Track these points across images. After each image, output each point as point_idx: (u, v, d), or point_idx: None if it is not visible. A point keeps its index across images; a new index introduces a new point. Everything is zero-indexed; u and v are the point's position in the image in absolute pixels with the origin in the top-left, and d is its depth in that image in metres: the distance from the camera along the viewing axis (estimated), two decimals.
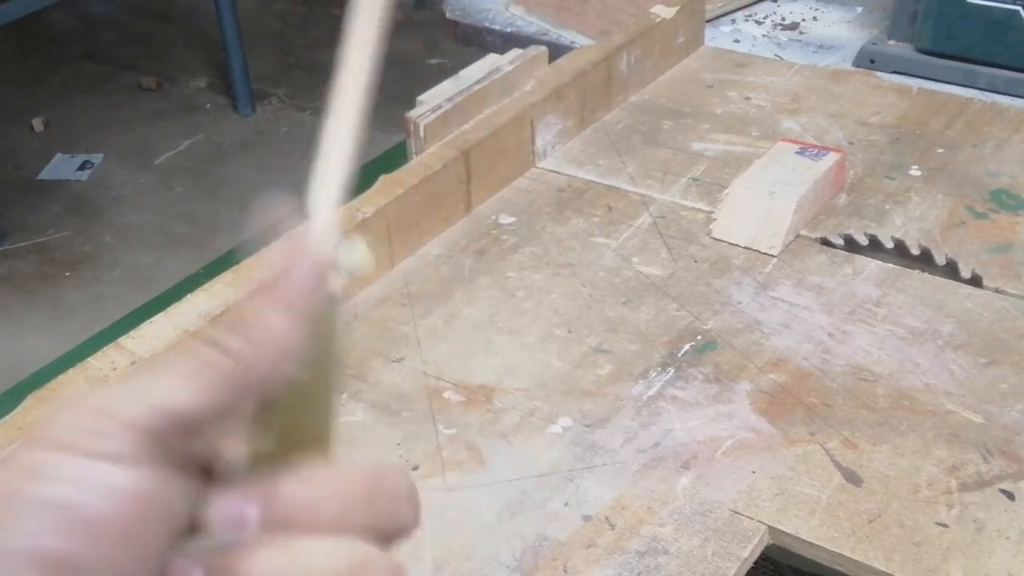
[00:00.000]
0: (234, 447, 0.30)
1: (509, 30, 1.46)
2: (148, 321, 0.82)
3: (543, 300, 0.92)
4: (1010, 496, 0.72)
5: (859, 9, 1.48)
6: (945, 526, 0.70)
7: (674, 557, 0.69)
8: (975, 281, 0.92)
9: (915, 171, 1.07)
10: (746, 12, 1.49)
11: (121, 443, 0.27)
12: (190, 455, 0.29)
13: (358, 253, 0.33)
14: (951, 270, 0.93)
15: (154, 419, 0.28)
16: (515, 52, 1.13)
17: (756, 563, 0.71)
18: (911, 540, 0.69)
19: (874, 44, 1.32)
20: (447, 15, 1.53)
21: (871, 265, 0.95)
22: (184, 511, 0.28)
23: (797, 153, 1.02)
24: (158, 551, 0.28)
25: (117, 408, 0.27)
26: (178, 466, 0.28)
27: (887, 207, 1.02)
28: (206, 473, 0.30)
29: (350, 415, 0.81)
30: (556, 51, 1.20)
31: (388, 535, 0.29)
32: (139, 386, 0.28)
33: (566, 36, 1.42)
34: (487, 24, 1.49)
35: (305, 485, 0.29)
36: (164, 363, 0.29)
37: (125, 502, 0.27)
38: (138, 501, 0.27)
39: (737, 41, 1.41)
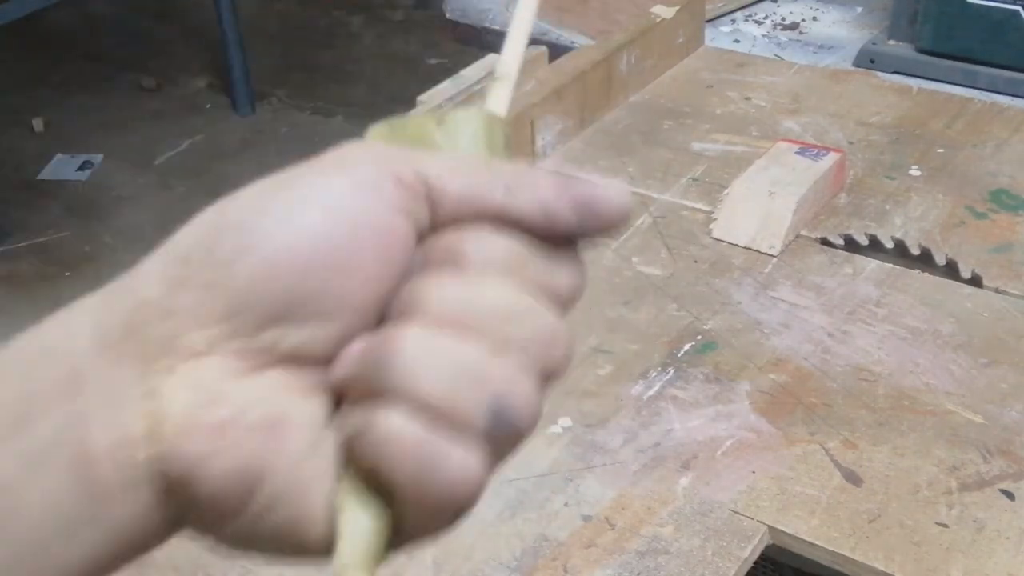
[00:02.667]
0: None
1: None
2: None
3: None
4: (1010, 496, 0.72)
5: (859, 9, 1.48)
6: (945, 526, 0.70)
7: (674, 557, 0.69)
8: (975, 281, 0.92)
9: (915, 171, 1.07)
10: (746, 12, 1.49)
11: (412, 193, 0.30)
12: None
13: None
14: (951, 270, 0.93)
15: (453, 196, 0.31)
16: None
17: (756, 563, 0.71)
18: (911, 540, 0.69)
19: (874, 44, 1.32)
20: (447, 15, 1.53)
21: (871, 265, 0.95)
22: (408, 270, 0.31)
23: (797, 153, 1.02)
24: (372, 289, 0.30)
25: (426, 168, 0.31)
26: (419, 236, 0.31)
27: (887, 207, 1.02)
28: None
29: None
30: (556, 51, 1.20)
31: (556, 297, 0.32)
32: (456, 164, 0.31)
33: (566, 36, 1.42)
34: (487, 24, 1.49)
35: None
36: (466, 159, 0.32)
37: (374, 231, 0.30)
38: (383, 237, 0.30)
39: (737, 41, 1.41)
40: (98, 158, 3.04)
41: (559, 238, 0.32)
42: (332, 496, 0.30)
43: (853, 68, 1.31)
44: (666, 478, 0.75)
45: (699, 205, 1.03)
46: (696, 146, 1.13)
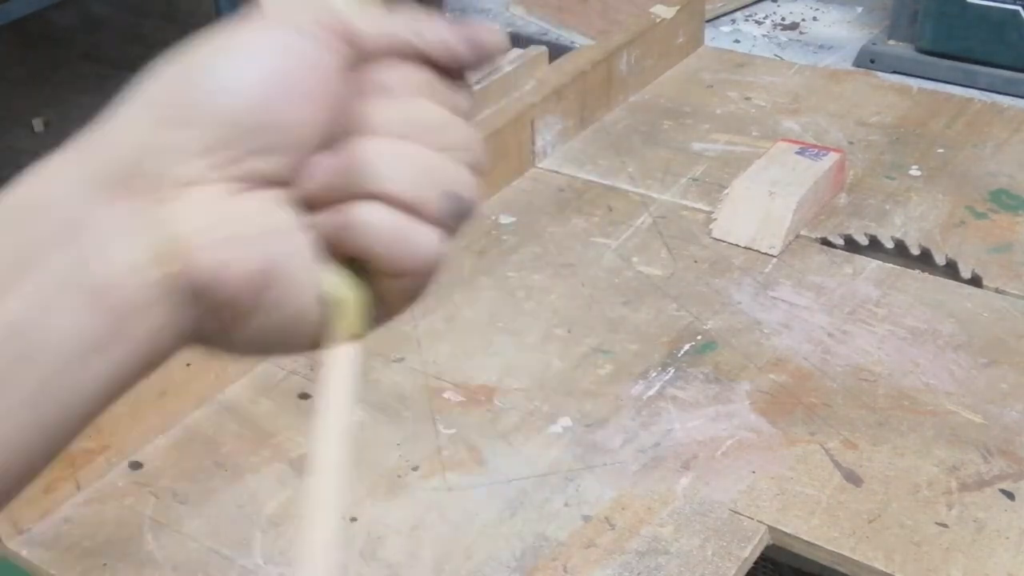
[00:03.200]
0: None
1: (509, 30, 1.47)
2: None
3: (543, 300, 0.92)
4: (1010, 496, 0.72)
5: (859, 9, 1.48)
6: (945, 526, 0.70)
7: (674, 557, 0.69)
8: (975, 281, 0.92)
9: (915, 171, 1.07)
10: (746, 12, 1.49)
11: (336, 36, 0.36)
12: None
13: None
14: (951, 270, 0.93)
15: (370, 38, 0.37)
16: (515, 52, 1.13)
17: (756, 563, 0.71)
18: (911, 540, 0.69)
19: (874, 44, 1.32)
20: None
21: (871, 265, 0.95)
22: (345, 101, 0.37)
23: (797, 153, 1.02)
24: (323, 115, 0.36)
25: (343, 16, 0.36)
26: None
27: (887, 207, 1.02)
28: None
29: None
30: (556, 51, 1.20)
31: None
32: (368, 13, 0.37)
33: (566, 36, 1.42)
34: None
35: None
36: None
37: (318, 67, 0.36)
38: (326, 71, 0.36)
39: (737, 41, 1.41)
40: None
41: (455, 69, 0.39)
42: (319, 287, 0.37)
43: (853, 68, 1.31)
44: (666, 478, 0.75)
45: (699, 205, 1.03)
46: (696, 146, 1.13)
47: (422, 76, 0.38)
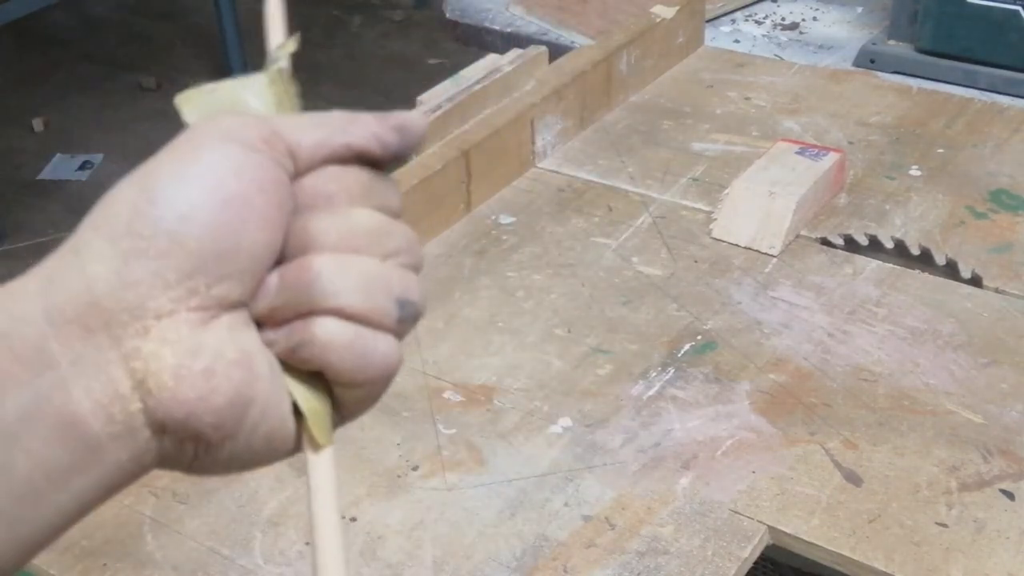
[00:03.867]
0: None
1: (509, 30, 1.46)
2: None
3: (543, 300, 0.92)
4: (1010, 496, 0.72)
5: (859, 9, 1.48)
6: (945, 526, 0.70)
7: (674, 557, 0.69)
8: (975, 281, 0.92)
9: (915, 171, 1.07)
10: (746, 12, 1.49)
11: (279, 151, 0.37)
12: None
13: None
14: (951, 270, 0.93)
15: (308, 147, 0.38)
16: (515, 52, 1.13)
17: (756, 563, 0.71)
18: (911, 540, 0.69)
19: (874, 44, 1.32)
20: (447, 15, 1.53)
21: (871, 265, 0.95)
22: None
23: (797, 153, 1.02)
24: (278, 234, 0.37)
25: (281, 128, 0.37)
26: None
27: (887, 207, 1.02)
28: None
29: None
30: (556, 51, 1.20)
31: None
32: (300, 121, 0.38)
33: (566, 36, 1.42)
34: (487, 24, 1.49)
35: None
36: (312, 116, 0.39)
37: (269, 186, 0.36)
38: (277, 190, 0.36)
39: (737, 41, 1.41)
40: (98, 158, 3.04)
41: (385, 161, 0.40)
42: (290, 401, 0.38)
43: (853, 68, 1.31)
44: (666, 478, 0.75)
45: (699, 205, 1.03)
46: (696, 146, 1.13)
47: (358, 177, 0.39)
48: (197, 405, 0.35)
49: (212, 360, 0.35)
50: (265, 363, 0.37)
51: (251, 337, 0.37)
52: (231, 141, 0.36)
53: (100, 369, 0.34)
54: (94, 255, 0.35)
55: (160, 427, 0.35)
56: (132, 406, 0.35)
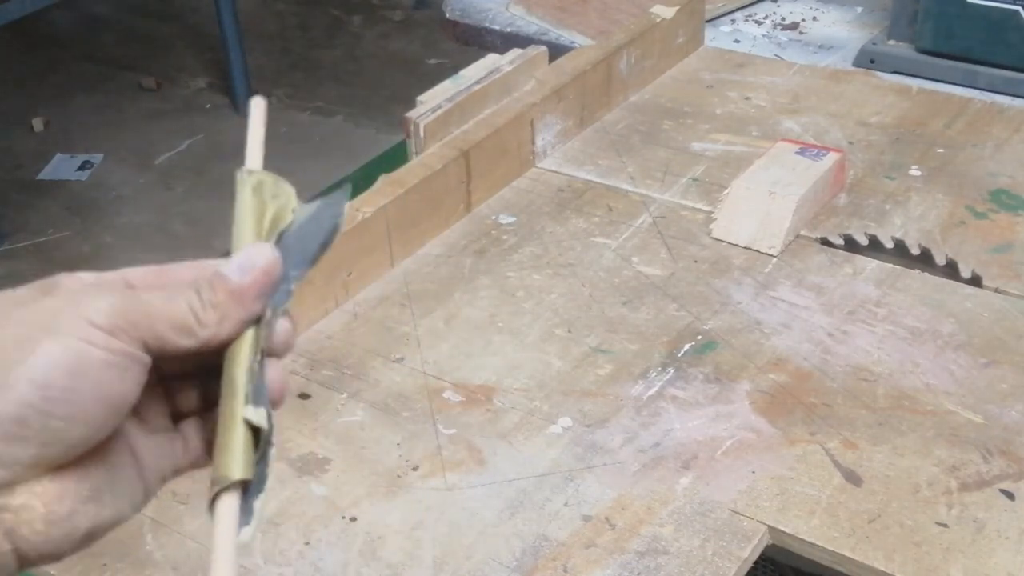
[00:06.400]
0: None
1: (509, 30, 1.46)
2: None
3: (543, 300, 0.92)
4: (1010, 496, 0.72)
5: (859, 9, 1.48)
6: (945, 526, 0.70)
7: (674, 557, 0.69)
8: (975, 281, 0.92)
9: (915, 171, 1.07)
10: (746, 12, 1.49)
11: (131, 340, 0.41)
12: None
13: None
14: (951, 270, 0.93)
15: (146, 332, 0.41)
16: (515, 52, 1.13)
17: (756, 563, 0.71)
18: (911, 540, 0.69)
19: (874, 44, 1.32)
20: (447, 15, 1.53)
21: (871, 265, 0.95)
22: (137, 389, 0.42)
23: (797, 153, 1.02)
24: (111, 411, 0.41)
25: (136, 317, 0.41)
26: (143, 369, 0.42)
27: (887, 207, 1.02)
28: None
29: (350, 415, 0.81)
30: (556, 51, 1.20)
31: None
32: (152, 304, 0.42)
33: (566, 36, 1.42)
34: (487, 24, 1.49)
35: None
36: (174, 290, 0.43)
37: (114, 373, 0.41)
38: (112, 361, 0.40)
39: (737, 41, 1.41)
40: (98, 158, 3.04)
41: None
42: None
43: (853, 68, 1.31)
44: (666, 478, 0.75)
45: (699, 205, 1.03)
46: (696, 146, 1.13)
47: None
48: (66, 544, 0.41)
49: (72, 502, 0.41)
50: (109, 493, 0.43)
51: (99, 472, 0.42)
52: (78, 335, 0.40)
53: None
54: None
55: (28, 562, 0.41)
56: (3, 548, 0.40)
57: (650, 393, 0.82)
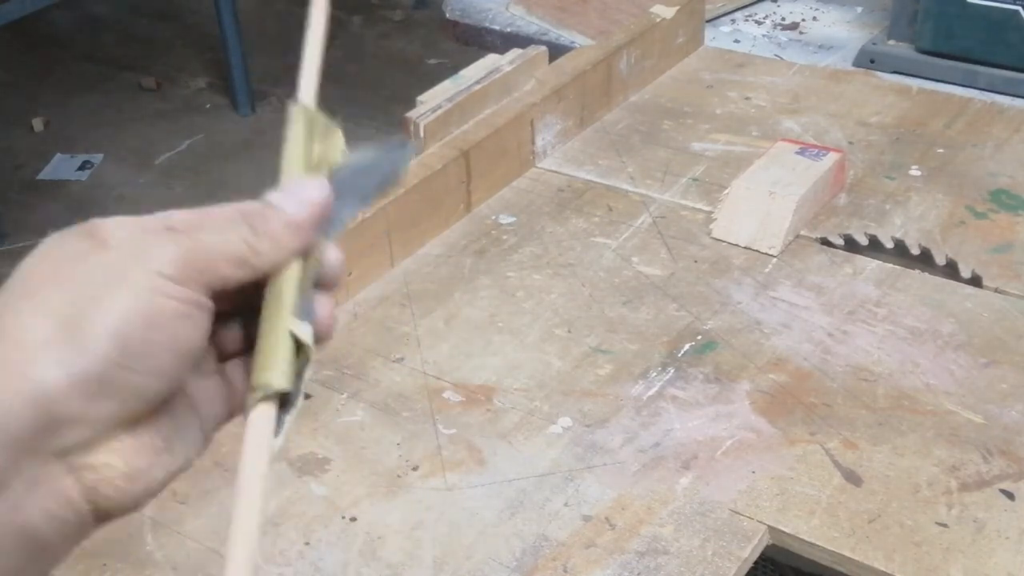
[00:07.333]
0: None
1: (509, 30, 1.46)
2: None
3: (543, 300, 0.92)
4: (1010, 496, 0.72)
5: (859, 9, 1.48)
6: (945, 526, 0.70)
7: (674, 557, 0.69)
8: (975, 281, 0.92)
9: (915, 171, 1.07)
10: (746, 12, 1.49)
11: (198, 287, 0.41)
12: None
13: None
14: (951, 270, 0.93)
15: (210, 275, 0.41)
16: (515, 52, 1.13)
17: (756, 563, 0.71)
18: (911, 540, 0.69)
19: (874, 44, 1.32)
20: (447, 15, 1.53)
21: (871, 265, 0.95)
22: (205, 336, 0.42)
23: (797, 153, 1.02)
24: (183, 360, 0.41)
25: (200, 263, 0.41)
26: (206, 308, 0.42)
27: (887, 207, 1.02)
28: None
29: (350, 415, 0.81)
30: (556, 51, 1.20)
31: None
32: (209, 244, 0.41)
33: (566, 36, 1.42)
34: (487, 24, 1.49)
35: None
36: (224, 226, 0.42)
37: (176, 311, 0.40)
38: (184, 311, 0.40)
39: (737, 41, 1.41)
40: (98, 158, 3.04)
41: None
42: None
43: (853, 68, 1.31)
44: (666, 478, 0.75)
45: (699, 205, 1.03)
46: (696, 146, 1.13)
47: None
48: (143, 497, 0.41)
49: (150, 456, 0.41)
50: (178, 441, 0.42)
51: (168, 423, 0.42)
52: (151, 286, 0.40)
53: (50, 483, 0.38)
54: (37, 378, 0.38)
55: (106, 518, 0.41)
56: (83, 508, 0.39)
57: (650, 393, 0.82)
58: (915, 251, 0.95)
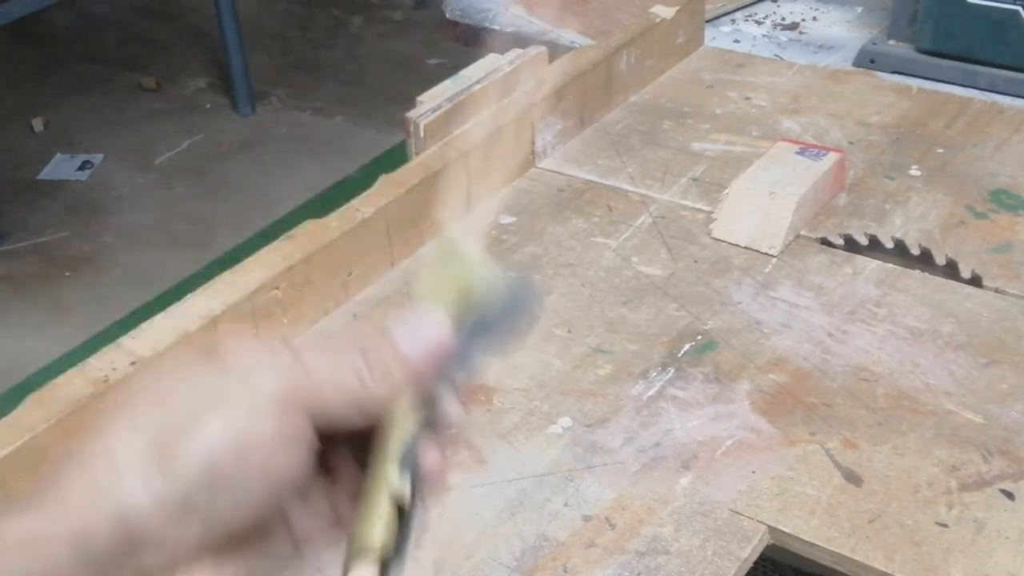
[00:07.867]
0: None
1: (509, 30, 1.46)
2: (148, 321, 0.81)
3: (543, 300, 0.92)
4: (1010, 496, 0.72)
5: (859, 9, 1.48)
6: (945, 526, 0.70)
7: (674, 557, 0.69)
8: (975, 281, 0.92)
9: (915, 171, 1.07)
10: (746, 12, 1.49)
11: (297, 414, 0.39)
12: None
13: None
14: (951, 270, 0.93)
15: (314, 403, 0.40)
16: (515, 52, 1.13)
17: (756, 563, 0.71)
18: (911, 540, 0.69)
19: (874, 44, 1.32)
20: (447, 15, 1.53)
21: (871, 265, 0.95)
22: (305, 468, 0.40)
23: (797, 153, 1.02)
24: (276, 490, 0.40)
25: (298, 381, 0.40)
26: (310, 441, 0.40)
27: (887, 207, 1.02)
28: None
29: None
30: (556, 51, 1.20)
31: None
32: (318, 368, 0.40)
33: (566, 36, 1.42)
34: (487, 24, 1.49)
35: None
36: (337, 351, 0.41)
37: (280, 443, 0.39)
38: (280, 440, 0.39)
39: (737, 41, 1.41)
40: (98, 158, 3.04)
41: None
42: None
43: (853, 68, 1.31)
44: (666, 478, 0.75)
45: (699, 205, 1.03)
46: (696, 146, 1.13)
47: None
48: None
49: None
50: (262, 566, 0.42)
51: (255, 548, 0.41)
52: (246, 410, 0.39)
53: None
54: (136, 497, 0.37)
55: None
56: None
57: (650, 393, 0.82)
58: (915, 251, 0.95)
